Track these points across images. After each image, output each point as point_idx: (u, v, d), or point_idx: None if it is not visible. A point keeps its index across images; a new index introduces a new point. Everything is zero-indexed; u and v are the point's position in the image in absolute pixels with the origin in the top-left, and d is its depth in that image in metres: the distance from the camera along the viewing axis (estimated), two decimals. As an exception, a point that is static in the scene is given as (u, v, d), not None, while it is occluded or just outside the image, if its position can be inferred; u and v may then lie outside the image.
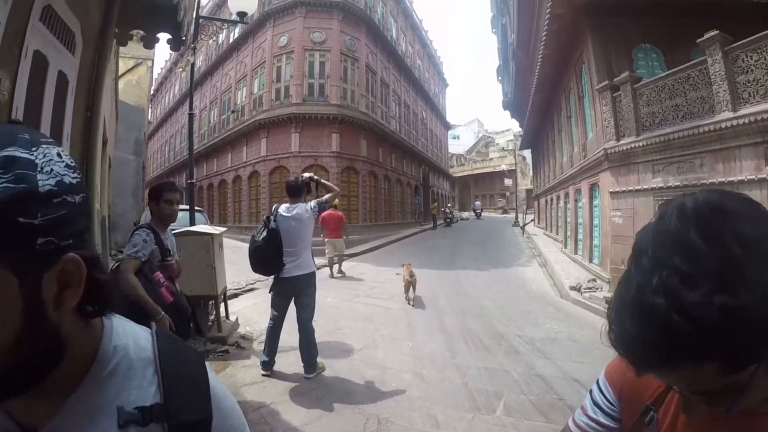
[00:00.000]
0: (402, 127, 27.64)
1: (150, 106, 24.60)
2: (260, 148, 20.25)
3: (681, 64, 7.35)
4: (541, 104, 17.59)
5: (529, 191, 42.93)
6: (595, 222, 10.83)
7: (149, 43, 5.53)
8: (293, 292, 4.36)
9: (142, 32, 5.44)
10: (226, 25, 24.75)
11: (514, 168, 40.00)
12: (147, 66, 16.92)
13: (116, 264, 2.85)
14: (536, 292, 9.60)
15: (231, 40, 24.26)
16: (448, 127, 46.10)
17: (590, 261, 11.00)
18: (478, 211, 41.30)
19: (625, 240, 8.37)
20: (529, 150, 32.13)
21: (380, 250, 16.90)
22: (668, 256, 0.56)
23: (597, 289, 8.86)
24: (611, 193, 8.85)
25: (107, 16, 4.60)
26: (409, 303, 7.99)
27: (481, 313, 7.44)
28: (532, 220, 28.43)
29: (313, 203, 4.32)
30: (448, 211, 31.56)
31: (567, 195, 14.87)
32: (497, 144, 62.83)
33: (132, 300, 2.64)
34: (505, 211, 48.35)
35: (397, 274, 10.28)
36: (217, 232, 5.62)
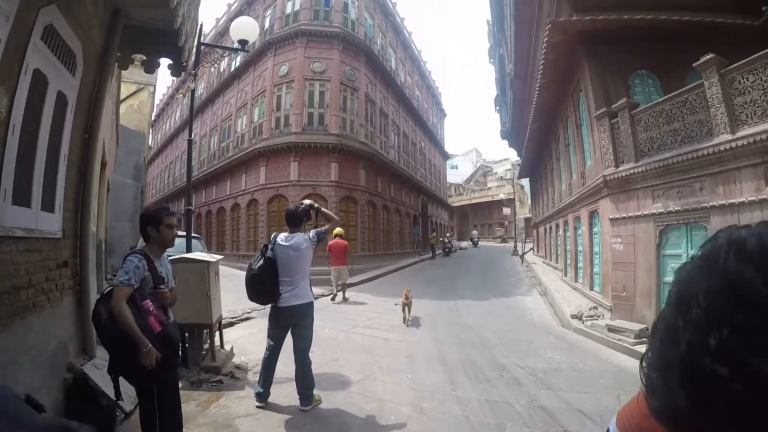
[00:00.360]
0: (401, 157, 27.77)
1: (151, 131, 24.67)
2: (259, 177, 20.22)
3: (677, 89, 7.40)
4: (539, 133, 17.73)
5: (527, 220, 43.07)
6: (596, 249, 10.78)
7: (150, 67, 5.56)
8: (290, 322, 4.27)
9: (143, 56, 5.47)
10: (227, 52, 25.22)
11: (512, 197, 40.16)
12: (149, 91, 17.06)
13: (109, 288, 2.75)
14: (537, 322, 9.49)
15: (233, 68, 24.53)
16: (446, 157, 46.41)
17: (591, 289, 10.91)
18: (475, 239, 42.90)
19: (626, 267, 8.32)
20: (527, 179, 32.31)
21: (379, 280, 16.76)
22: (727, 308, 0.46)
23: (599, 317, 8.76)
24: (611, 219, 8.82)
25: (109, 38, 4.63)
26: (405, 323, 8.72)
27: (481, 343, 7.30)
28: (531, 249, 28.35)
29: (312, 233, 4.27)
30: (446, 240, 31.49)
31: (566, 223, 14.84)
32: (495, 173, 63.29)
33: (122, 330, 2.58)
34: (503, 240, 48.50)
35: (395, 304, 10.33)
36: (213, 260, 5.53)
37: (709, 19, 8.48)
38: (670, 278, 7.35)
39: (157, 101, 40.76)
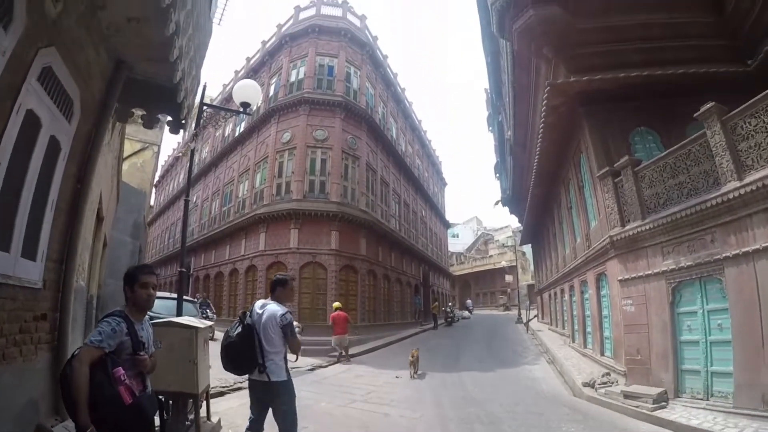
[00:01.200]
0: (402, 226, 27.65)
1: (154, 191, 24.31)
2: (259, 243, 19.91)
3: (678, 143, 7.37)
4: (540, 198, 17.77)
5: (530, 287, 42.45)
6: (605, 313, 10.45)
7: (149, 122, 5.55)
8: (266, 398, 3.84)
9: (143, 111, 5.48)
10: (230, 115, 25.80)
11: (514, 264, 39.82)
12: (153, 151, 17.12)
13: (78, 350, 2.45)
14: (547, 392, 8.99)
15: (237, 133, 25.02)
16: (447, 225, 46.51)
17: (602, 354, 10.50)
18: (470, 308, 42.38)
19: (639, 329, 7.99)
20: (530, 245, 32.14)
21: (379, 351, 16.06)
22: None
23: (612, 383, 8.32)
24: (620, 281, 8.55)
25: (110, 89, 4.64)
26: (412, 377, 10.07)
27: (488, 419, 6.81)
28: (535, 316, 27.59)
29: (288, 316, 3.88)
30: (449, 310, 30.74)
31: (572, 288, 14.51)
32: (496, 241, 63.40)
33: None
34: (507, 308, 47.37)
35: (396, 377, 10.19)
36: (203, 326, 5.20)
37: (703, 70, 8.69)
38: (686, 337, 7.05)
39: (162, 162, 41.57)
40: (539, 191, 16.70)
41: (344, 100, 20.59)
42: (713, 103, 6.31)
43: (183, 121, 5.60)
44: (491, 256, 58.59)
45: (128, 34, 4.22)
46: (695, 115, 6.63)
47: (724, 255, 6.16)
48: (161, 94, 5.11)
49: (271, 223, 19.44)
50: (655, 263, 7.64)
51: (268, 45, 24.44)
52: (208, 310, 16.73)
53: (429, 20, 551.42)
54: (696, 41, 9.22)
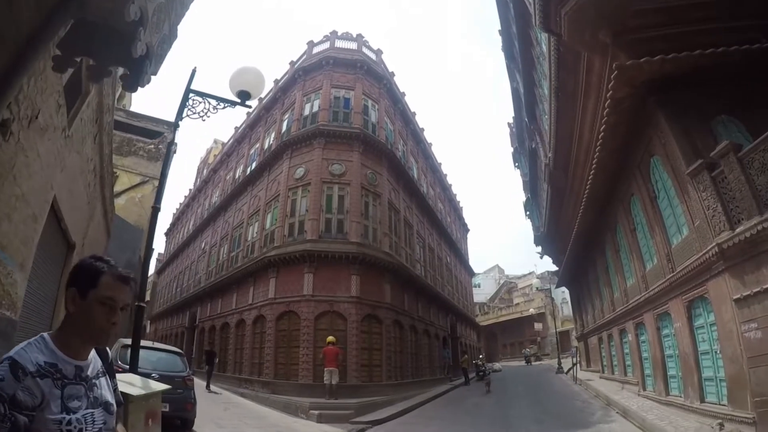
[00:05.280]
0: (428, 272, 25.43)
1: (165, 239, 22.35)
2: (268, 290, 17.70)
3: (763, 131, 6.26)
4: (587, 227, 15.59)
5: (562, 333, 38.96)
6: (704, 348, 8.47)
7: (97, 75, 4.02)
8: None
9: (90, 60, 4.04)
10: (244, 159, 24.56)
11: (543, 311, 37.20)
12: (153, 185, 15.71)
13: None
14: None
15: (248, 172, 23.67)
16: (471, 273, 44.08)
17: (702, 400, 8.44)
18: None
19: (775, 357, 6.04)
20: (564, 288, 29.75)
21: (411, 414, 13.41)
22: None
23: (736, 435, 6.28)
24: (737, 300, 6.65)
25: (46, 27, 3.39)
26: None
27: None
28: (574, 364, 24.79)
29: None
30: (480, 363, 27.97)
31: (640, 326, 12.38)
32: (520, 289, 60.68)
33: None
34: (538, 358, 43.05)
35: None
36: (143, 393, 3.48)
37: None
38: None
39: (174, 210, 41.24)
40: (588, 218, 14.64)
41: (362, 133, 19.08)
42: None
43: (141, 70, 3.91)
44: (517, 304, 55.90)
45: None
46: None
47: None
48: (117, 40, 3.64)
49: (282, 267, 17.37)
50: (789, 266, 5.80)
51: (280, 82, 23.51)
52: None
53: (442, 63, 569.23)
54: (759, 20, 7.88)
